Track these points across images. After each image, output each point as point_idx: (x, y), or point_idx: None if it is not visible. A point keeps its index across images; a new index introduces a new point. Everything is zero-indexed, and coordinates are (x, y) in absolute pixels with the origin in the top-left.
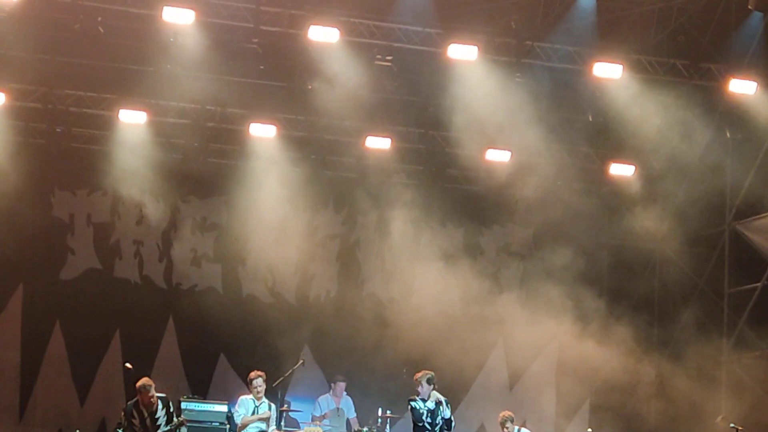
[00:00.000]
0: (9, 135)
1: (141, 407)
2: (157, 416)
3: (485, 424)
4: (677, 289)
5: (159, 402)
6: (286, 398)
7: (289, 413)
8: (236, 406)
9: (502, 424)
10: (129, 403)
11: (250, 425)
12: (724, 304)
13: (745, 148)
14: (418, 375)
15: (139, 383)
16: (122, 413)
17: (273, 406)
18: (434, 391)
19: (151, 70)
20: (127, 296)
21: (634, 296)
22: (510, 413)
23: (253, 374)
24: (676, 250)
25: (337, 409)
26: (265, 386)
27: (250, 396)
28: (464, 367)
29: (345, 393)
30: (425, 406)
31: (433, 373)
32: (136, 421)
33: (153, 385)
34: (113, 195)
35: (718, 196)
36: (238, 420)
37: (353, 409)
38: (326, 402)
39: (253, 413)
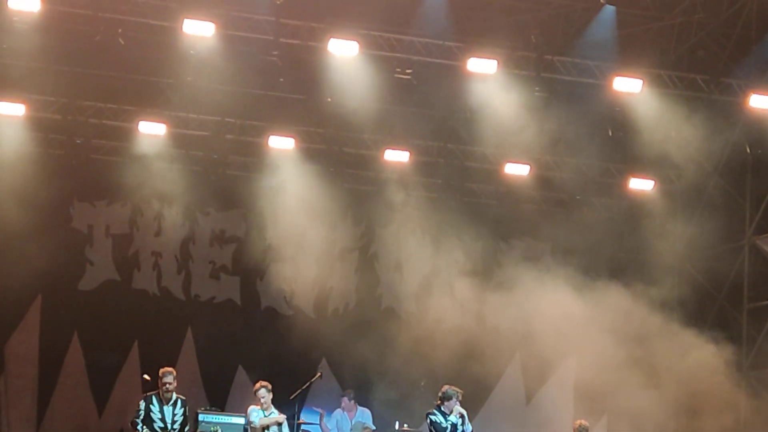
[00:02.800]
0: (29, 146)
1: (160, 397)
2: (175, 411)
3: None
4: (696, 304)
5: (179, 400)
6: (303, 412)
7: (302, 426)
8: (249, 416)
9: None
10: (150, 393)
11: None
12: (743, 319)
13: (765, 163)
14: (445, 388)
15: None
16: (141, 401)
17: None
18: (457, 406)
19: (171, 82)
20: (145, 308)
21: (652, 311)
22: (585, 422)
23: (257, 385)
24: (696, 265)
25: (352, 421)
26: (270, 395)
27: (258, 407)
28: (481, 381)
29: (358, 405)
30: (447, 421)
31: (456, 388)
32: (155, 408)
33: (172, 374)
34: (132, 206)
35: (738, 210)
36: (256, 420)
37: (371, 421)
38: (339, 416)
39: None
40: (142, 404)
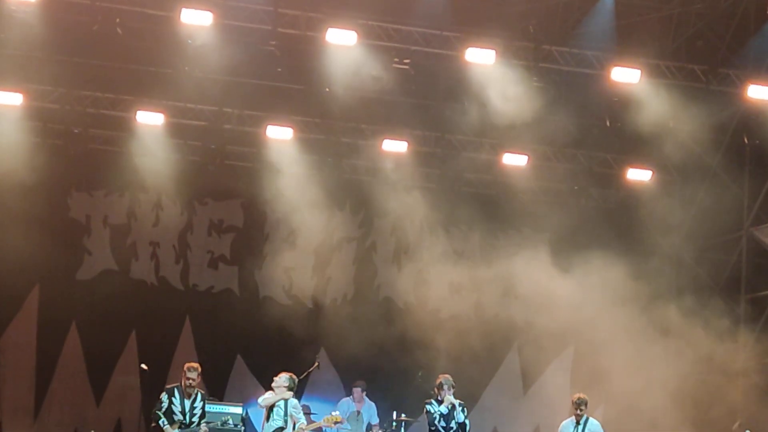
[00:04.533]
0: (26, 136)
1: (182, 389)
2: (195, 405)
3: (498, 428)
4: (694, 295)
5: (199, 394)
6: (303, 402)
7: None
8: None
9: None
10: (172, 386)
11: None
12: (740, 310)
13: (763, 154)
14: (439, 378)
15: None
16: (164, 393)
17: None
18: (448, 395)
19: (169, 72)
20: (143, 297)
21: (650, 302)
22: (584, 395)
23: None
24: (693, 256)
25: (357, 413)
26: (286, 384)
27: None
28: (478, 371)
29: (367, 398)
30: (438, 410)
31: (448, 377)
32: (176, 401)
33: (196, 370)
34: (130, 196)
35: (736, 201)
36: (261, 401)
37: (376, 414)
38: (346, 405)
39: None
40: (165, 397)
